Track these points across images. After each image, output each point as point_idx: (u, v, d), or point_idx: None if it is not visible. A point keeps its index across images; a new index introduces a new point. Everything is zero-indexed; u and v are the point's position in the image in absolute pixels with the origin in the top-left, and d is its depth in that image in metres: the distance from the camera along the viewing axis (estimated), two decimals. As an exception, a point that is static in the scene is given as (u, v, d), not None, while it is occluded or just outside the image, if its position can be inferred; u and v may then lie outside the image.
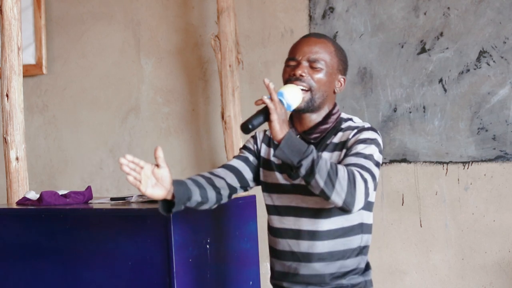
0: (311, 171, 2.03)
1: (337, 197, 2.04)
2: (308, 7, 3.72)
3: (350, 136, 2.22)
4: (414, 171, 3.51)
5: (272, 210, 2.35)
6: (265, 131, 2.43)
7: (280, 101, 2.13)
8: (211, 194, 2.29)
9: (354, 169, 2.09)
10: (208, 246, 2.81)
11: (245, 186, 2.39)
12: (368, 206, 2.28)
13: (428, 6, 3.47)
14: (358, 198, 2.05)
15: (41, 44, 4.25)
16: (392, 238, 3.56)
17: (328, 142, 2.26)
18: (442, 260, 3.48)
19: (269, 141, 2.39)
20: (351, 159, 2.14)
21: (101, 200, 3.15)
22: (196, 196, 2.23)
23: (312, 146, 2.07)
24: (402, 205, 3.54)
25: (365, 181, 2.08)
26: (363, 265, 2.31)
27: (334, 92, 2.31)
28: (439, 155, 3.46)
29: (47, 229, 2.89)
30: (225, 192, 2.33)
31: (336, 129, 2.28)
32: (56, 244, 2.87)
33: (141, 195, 2.98)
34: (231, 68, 3.67)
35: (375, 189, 2.17)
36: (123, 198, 3.02)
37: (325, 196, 2.05)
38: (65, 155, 4.28)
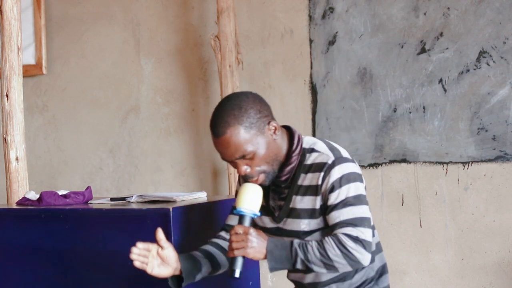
0: (307, 268, 2.15)
1: (345, 269, 2.15)
2: (308, 7, 3.72)
3: (320, 182, 2.20)
4: (414, 171, 3.51)
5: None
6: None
7: (243, 216, 2.19)
8: (221, 260, 2.39)
9: (342, 233, 2.12)
10: (208, 246, 2.81)
11: None
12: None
13: (428, 6, 3.47)
14: (361, 259, 2.12)
15: (41, 44, 4.25)
16: (392, 238, 3.56)
17: (299, 183, 2.25)
18: (442, 260, 3.47)
19: None
20: (335, 216, 2.16)
21: (101, 200, 3.15)
22: (207, 267, 2.35)
23: (294, 245, 2.14)
24: (402, 205, 3.54)
25: (356, 239, 2.12)
26: (373, 274, 2.33)
27: (275, 140, 2.24)
28: (439, 155, 3.46)
29: (47, 229, 2.89)
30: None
31: (302, 165, 2.25)
32: (56, 244, 2.87)
33: (141, 195, 2.98)
34: (231, 68, 3.67)
35: (372, 230, 2.20)
36: (123, 198, 3.02)
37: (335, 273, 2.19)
38: (65, 155, 4.28)
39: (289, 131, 2.30)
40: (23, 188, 3.33)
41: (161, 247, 2.24)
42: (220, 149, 2.22)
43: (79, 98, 4.25)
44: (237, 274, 2.18)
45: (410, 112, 3.51)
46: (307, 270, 2.16)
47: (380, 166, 3.57)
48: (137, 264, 2.22)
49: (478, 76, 3.39)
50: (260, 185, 2.24)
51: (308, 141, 2.29)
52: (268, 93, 3.81)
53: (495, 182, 3.38)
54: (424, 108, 3.48)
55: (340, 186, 2.17)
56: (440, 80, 3.45)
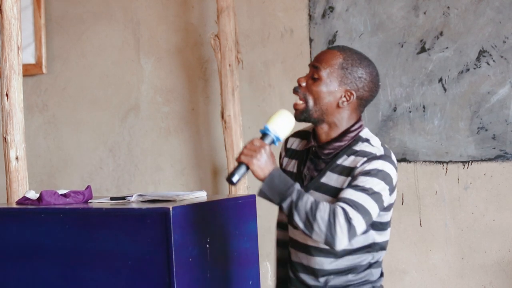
0: (291, 212, 2.11)
1: (318, 238, 2.10)
2: (307, 6, 3.72)
3: (359, 165, 2.18)
4: (414, 171, 3.51)
5: (282, 220, 2.40)
6: (286, 140, 2.43)
7: (267, 135, 2.19)
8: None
9: (341, 207, 2.10)
10: (208, 246, 2.81)
11: None
12: (378, 226, 2.27)
13: (428, 6, 3.47)
14: (339, 238, 2.08)
15: (40, 44, 4.25)
16: (392, 238, 3.54)
17: (339, 162, 2.23)
18: (441, 259, 3.48)
19: (293, 152, 2.40)
20: (347, 192, 2.14)
21: (101, 199, 3.14)
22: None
23: (294, 186, 2.12)
24: (402, 204, 3.54)
25: (349, 220, 2.08)
26: (371, 278, 2.31)
27: (339, 106, 2.24)
28: (439, 155, 3.46)
29: (47, 229, 2.89)
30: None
31: (350, 148, 2.24)
32: (55, 243, 2.87)
33: (141, 195, 2.98)
34: (230, 67, 3.67)
35: (368, 223, 2.14)
36: (123, 198, 3.02)
37: (307, 236, 2.12)
38: (65, 154, 4.28)
39: (358, 118, 2.29)
40: (23, 188, 3.33)
41: None
42: (317, 54, 2.29)
43: (79, 98, 4.25)
44: (234, 179, 2.15)
45: (410, 111, 3.51)
46: (288, 216, 2.13)
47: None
48: None
49: (478, 75, 3.39)
50: (295, 113, 2.25)
51: (367, 132, 2.29)
52: (268, 92, 3.81)
53: (495, 181, 3.38)
54: (424, 107, 3.48)
55: (372, 176, 2.15)
56: (440, 79, 3.45)
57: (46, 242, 2.89)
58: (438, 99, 3.45)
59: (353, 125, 2.27)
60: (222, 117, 3.69)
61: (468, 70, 3.40)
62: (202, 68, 3.98)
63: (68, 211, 2.89)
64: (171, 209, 2.67)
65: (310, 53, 3.70)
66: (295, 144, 2.40)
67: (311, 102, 2.24)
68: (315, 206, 2.09)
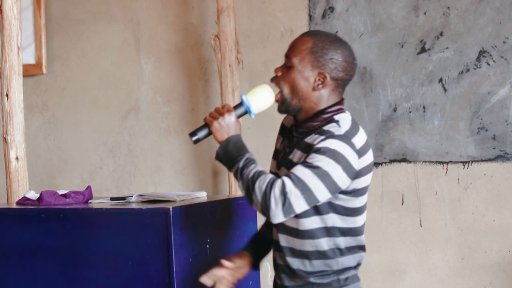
0: (236, 179, 2.16)
1: (255, 207, 2.12)
2: (308, 6, 3.72)
3: (315, 142, 2.17)
4: (414, 171, 3.51)
5: None
6: (284, 119, 2.44)
7: (241, 104, 2.25)
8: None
9: (282, 180, 2.09)
10: (208, 246, 2.81)
11: None
12: (343, 210, 2.23)
13: (428, 6, 3.47)
14: (273, 210, 2.08)
15: (41, 44, 4.24)
16: (392, 238, 3.56)
17: (306, 140, 2.23)
18: (442, 259, 3.48)
19: (283, 130, 2.41)
20: (295, 168, 2.13)
21: (101, 199, 3.15)
22: (268, 249, 2.44)
23: (245, 155, 2.16)
24: (402, 204, 3.54)
25: (286, 194, 2.07)
26: (336, 267, 2.26)
27: (314, 89, 2.25)
28: (439, 155, 3.46)
29: (47, 229, 2.89)
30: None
31: (320, 128, 2.23)
32: (56, 244, 2.87)
33: (141, 195, 2.98)
34: (231, 67, 3.67)
35: (309, 201, 2.11)
36: (123, 198, 3.02)
37: (248, 203, 2.15)
38: (65, 154, 4.28)
39: (338, 102, 2.28)
40: (23, 188, 3.33)
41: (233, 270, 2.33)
42: (290, 43, 2.31)
43: (79, 98, 4.25)
44: (194, 138, 2.24)
45: (410, 112, 3.51)
46: (236, 180, 2.17)
47: (380, 165, 3.57)
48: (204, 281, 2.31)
49: (478, 76, 3.39)
50: (277, 106, 2.29)
51: (343, 116, 2.26)
52: (268, 93, 3.81)
53: (495, 181, 3.38)
54: (424, 107, 3.48)
55: (321, 154, 2.12)
56: (440, 80, 3.45)
57: (46, 242, 2.89)
58: (438, 99, 3.45)
59: (330, 107, 2.26)
60: (222, 117, 3.69)
61: (468, 70, 3.40)
62: (202, 68, 3.98)
63: (68, 211, 2.89)
64: (171, 209, 2.67)
65: (310, 53, 3.70)
66: (287, 121, 2.42)
67: (286, 90, 2.27)
68: (256, 176, 2.11)
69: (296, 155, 2.23)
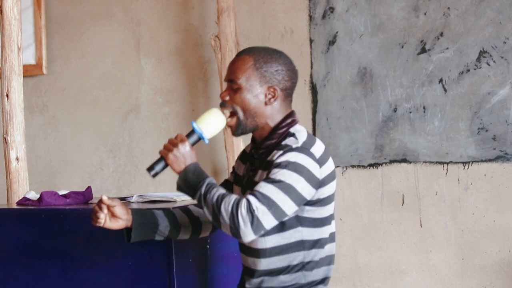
0: (201, 206, 2.15)
1: (224, 229, 2.11)
2: (308, 7, 3.72)
3: (275, 158, 2.17)
4: (414, 171, 3.51)
5: None
6: (247, 146, 2.45)
7: (193, 132, 2.25)
8: (184, 221, 2.42)
9: (247, 198, 2.08)
10: (208, 246, 2.81)
11: None
12: (310, 222, 2.23)
13: (428, 6, 3.47)
14: (242, 230, 2.06)
15: (41, 44, 4.25)
16: (392, 238, 3.56)
17: (268, 158, 2.23)
18: (442, 260, 3.47)
19: (244, 157, 2.41)
20: (258, 185, 2.12)
21: (101, 200, 3.14)
22: (164, 224, 2.39)
23: (205, 181, 2.14)
24: (402, 205, 3.54)
25: (253, 211, 2.06)
26: (304, 281, 2.26)
27: (266, 104, 2.26)
28: (439, 155, 3.46)
29: (47, 229, 2.89)
30: (205, 219, 2.44)
31: (279, 144, 2.23)
32: (56, 244, 2.87)
33: (141, 195, 2.99)
34: (231, 68, 3.67)
35: (278, 216, 2.10)
36: (123, 198, 3.03)
37: (217, 227, 2.15)
38: (65, 155, 4.28)
39: (289, 114, 2.30)
40: (23, 188, 3.33)
41: (110, 205, 2.30)
42: (228, 66, 2.30)
43: (79, 98, 4.25)
44: (152, 172, 2.24)
45: (410, 112, 3.51)
46: (200, 208, 2.17)
47: (380, 166, 3.57)
48: (93, 222, 2.32)
49: (478, 76, 3.39)
50: (231, 130, 2.29)
51: (298, 128, 2.27)
52: (268, 93, 3.81)
53: (495, 182, 3.38)
54: (424, 108, 3.48)
55: (283, 168, 2.13)
56: (440, 80, 3.45)
57: (46, 242, 2.89)
58: (438, 100, 3.45)
59: (283, 121, 2.27)
60: (222, 117, 3.69)
61: (468, 70, 3.40)
62: (202, 69, 3.98)
63: (68, 212, 2.89)
64: (171, 209, 2.67)
65: (311, 54, 3.70)
66: (247, 147, 2.43)
67: (240, 113, 2.26)
68: (221, 199, 2.10)
69: (259, 175, 2.24)
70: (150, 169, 2.24)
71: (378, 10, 3.57)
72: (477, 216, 3.41)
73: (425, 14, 3.48)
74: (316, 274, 2.27)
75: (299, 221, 2.21)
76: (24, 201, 3.08)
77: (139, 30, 4.11)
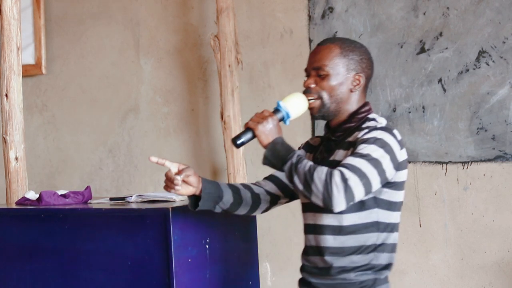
0: (291, 175, 2.18)
1: (315, 198, 2.14)
2: (307, 7, 3.72)
3: (359, 136, 2.25)
4: (413, 171, 3.51)
5: (301, 207, 2.44)
6: (309, 139, 2.52)
7: (278, 110, 2.29)
8: (246, 196, 2.46)
9: (339, 169, 2.13)
10: (207, 246, 2.81)
11: (290, 196, 2.51)
12: (385, 205, 2.30)
13: (428, 6, 3.47)
14: (336, 198, 2.11)
15: (40, 44, 4.25)
16: (392, 238, 3.56)
17: (347, 140, 2.31)
18: (441, 260, 3.48)
19: (310, 147, 2.49)
20: (346, 159, 2.18)
21: (100, 200, 3.15)
22: (228, 196, 2.43)
23: (296, 152, 2.20)
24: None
25: (345, 180, 2.11)
26: (376, 262, 2.32)
27: (351, 91, 2.34)
28: (439, 155, 3.46)
29: (46, 229, 2.89)
30: (265, 198, 2.49)
31: (358, 128, 2.32)
32: (55, 244, 2.87)
33: (141, 195, 2.99)
34: (230, 68, 3.67)
35: (367, 188, 2.16)
36: (122, 198, 3.03)
37: (306, 197, 2.17)
38: (65, 155, 4.28)
39: (366, 103, 2.38)
40: (23, 188, 3.33)
41: (186, 175, 2.35)
42: (310, 56, 2.37)
43: (79, 98, 4.25)
44: (238, 142, 2.27)
45: (409, 112, 3.51)
46: (289, 180, 2.19)
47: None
48: (165, 188, 2.37)
49: (477, 76, 3.39)
50: (311, 111, 2.34)
51: (375, 115, 2.36)
52: (268, 93, 3.81)
53: (494, 182, 3.38)
54: (423, 108, 3.48)
55: (370, 143, 2.20)
56: (440, 80, 3.45)
57: (45, 242, 2.89)
58: (437, 100, 3.46)
59: (361, 107, 2.35)
60: (222, 117, 3.70)
61: (467, 70, 3.41)
62: (201, 69, 3.98)
63: (67, 212, 2.89)
64: (170, 209, 2.67)
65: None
66: (313, 141, 2.50)
67: (326, 96, 2.33)
68: (313, 168, 2.14)
69: (339, 154, 2.30)
70: (236, 139, 2.28)
71: (377, 10, 3.57)
72: (476, 216, 3.42)
73: (424, 14, 3.48)
74: (384, 258, 2.34)
75: (376, 202, 2.28)
76: (24, 201, 3.08)
77: (138, 30, 4.11)
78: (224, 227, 2.93)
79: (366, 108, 2.36)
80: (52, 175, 4.30)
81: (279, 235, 3.76)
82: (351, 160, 2.16)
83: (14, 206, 3.14)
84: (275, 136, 2.24)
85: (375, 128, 2.25)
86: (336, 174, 2.11)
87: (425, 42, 3.47)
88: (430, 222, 3.50)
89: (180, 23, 4.03)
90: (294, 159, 2.18)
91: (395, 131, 2.28)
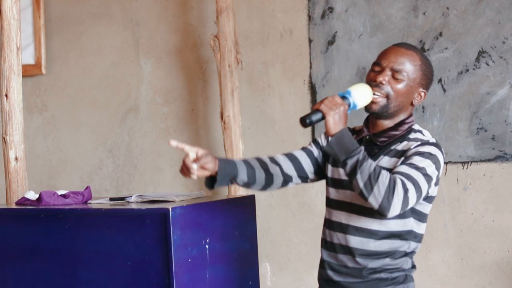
0: (354, 170, 2.17)
1: (374, 200, 2.16)
2: (307, 7, 3.72)
3: (412, 147, 2.29)
4: (413, 171, 3.51)
5: (328, 202, 2.46)
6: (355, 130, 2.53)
7: (346, 98, 2.27)
8: (260, 176, 2.45)
9: (399, 177, 2.17)
10: (207, 246, 2.82)
11: (303, 177, 2.51)
12: (418, 216, 2.36)
13: (427, 6, 3.47)
14: (394, 205, 2.15)
15: (40, 44, 4.25)
16: (391, 238, 3.56)
17: (392, 148, 2.34)
18: (441, 260, 3.48)
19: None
20: (402, 168, 2.22)
21: (100, 200, 3.15)
22: (243, 175, 2.43)
23: (361, 148, 2.20)
24: (401, 205, 3.54)
25: (406, 190, 2.15)
26: (406, 266, 2.39)
27: (412, 104, 2.38)
28: (438, 155, 3.46)
29: (46, 229, 2.90)
30: (278, 179, 2.48)
31: (404, 137, 2.35)
32: (55, 244, 2.87)
33: (140, 195, 2.99)
34: (230, 68, 3.67)
35: (417, 200, 2.22)
36: (122, 198, 3.03)
37: (363, 197, 2.18)
38: (64, 155, 4.28)
39: (411, 115, 2.42)
40: (22, 188, 3.33)
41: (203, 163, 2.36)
42: (391, 54, 2.36)
43: (79, 98, 4.25)
44: (307, 120, 2.23)
45: (409, 112, 3.51)
46: (349, 175, 2.19)
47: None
48: (181, 172, 2.42)
49: (477, 76, 3.39)
50: (370, 105, 2.34)
51: (420, 127, 2.41)
52: (268, 93, 3.81)
53: (494, 182, 3.38)
54: (423, 108, 3.48)
55: (426, 158, 2.24)
56: (440, 80, 3.45)
57: (45, 242, 2.89)
58: (437, 100, 3.46)
59: (407, 118, 2.38)
60: (222, 117, 3.69)
61: (467, 70, 3.41)
62: (201, 69, 3.98)
63: (67, 212, 2.89)
64: (170, 209, 2.67)
65: (310, 54, 3.70)
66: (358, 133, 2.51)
67: (393, 97, 2.34)
68: (378, 170, 2.16)
69: (385, 160, 2.32)
70: (305, 118, 2.24)
71: (377, 10, 3.57)
72: (476, 216, 3.42)
73: (424, 14, 3.48)
74: (411, 263, 2.42)
75: (413, 212, 2.33)
76: (23, 201, 3.09)
77: (138, 30, 4.11)
78: (223, 227, 2.94)
79: (412, 118, 2.40)
80: (52, 175, 4.30)
81: (279, 235, 3.76)
82: (409, 171, 2.20)
83: (14, 206, 3.14)
84: (342, 126, 2.23)
85: (428, 143, 2.30)
86: (399, 182, 2.15)
87: (425, 42, 3.48)
88: (430, 222, 3.48)
89: (180, 23, 4.03)
90: (360, 156, 2.18)
91: (442, 148, 2.34)
